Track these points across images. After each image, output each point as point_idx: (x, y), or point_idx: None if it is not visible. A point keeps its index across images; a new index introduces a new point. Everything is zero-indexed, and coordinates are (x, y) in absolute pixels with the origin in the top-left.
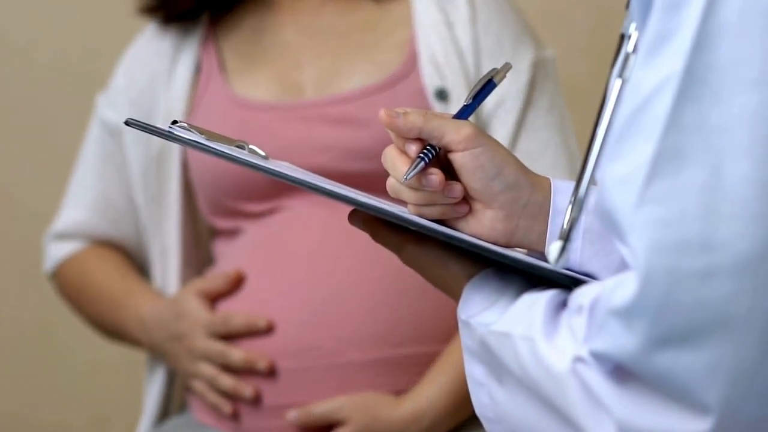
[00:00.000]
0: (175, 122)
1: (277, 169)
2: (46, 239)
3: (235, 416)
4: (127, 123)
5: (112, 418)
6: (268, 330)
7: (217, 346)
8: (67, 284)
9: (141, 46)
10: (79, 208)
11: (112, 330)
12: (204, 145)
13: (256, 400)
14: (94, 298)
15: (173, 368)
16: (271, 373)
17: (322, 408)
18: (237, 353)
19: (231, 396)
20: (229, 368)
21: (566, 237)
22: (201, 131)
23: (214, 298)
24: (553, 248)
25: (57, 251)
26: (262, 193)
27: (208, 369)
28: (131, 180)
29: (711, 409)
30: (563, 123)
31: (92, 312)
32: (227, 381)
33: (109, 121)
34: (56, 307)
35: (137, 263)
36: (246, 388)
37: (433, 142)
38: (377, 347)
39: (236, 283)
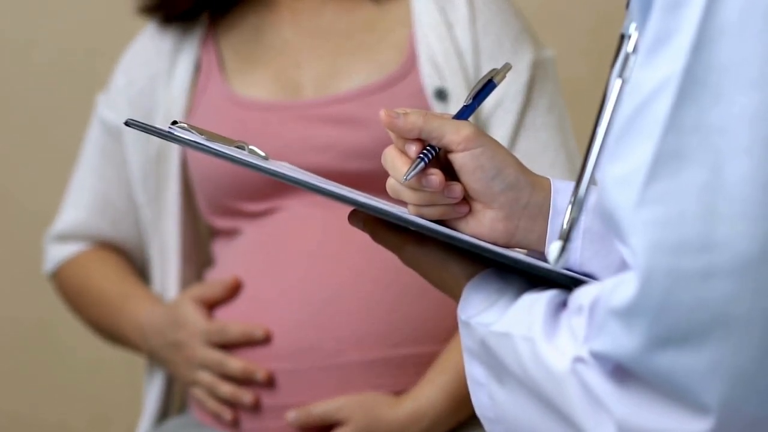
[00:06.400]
0: (175, 123)
1: (276, 169)
2: (46, 240)
3: (235, 418)
4: (127, 123)
5: (112, 418)
6: (266, 339)
7: (216, 356)
8: (66, 287)
9: (140, 46)
10: (79, 207)
11: (112, 334)
12: (204, 145)
13: (256, 402)
14: (93, 303)
15: (172, 374)
16: (270, 375)
17: (322, 408)
18: (235, 363)
19: (231, 403)
20: (227, 376)
21: (566, 237)
22: (201, 131)
23: (211, 305)
24: (552, 248)
25: (57, 253)
26: (260, 193)
27: (207, 377)
28: (132, 180)
29: (711, 409)
30: (562, 123)
31: (91, 315)
32: (226, 388)
33: (108, 120)
34: (56, 307)
35: (137, 265)
36: (245, 394)
37: (433, 143)
38: (377, 347)
39: (234, 290)
